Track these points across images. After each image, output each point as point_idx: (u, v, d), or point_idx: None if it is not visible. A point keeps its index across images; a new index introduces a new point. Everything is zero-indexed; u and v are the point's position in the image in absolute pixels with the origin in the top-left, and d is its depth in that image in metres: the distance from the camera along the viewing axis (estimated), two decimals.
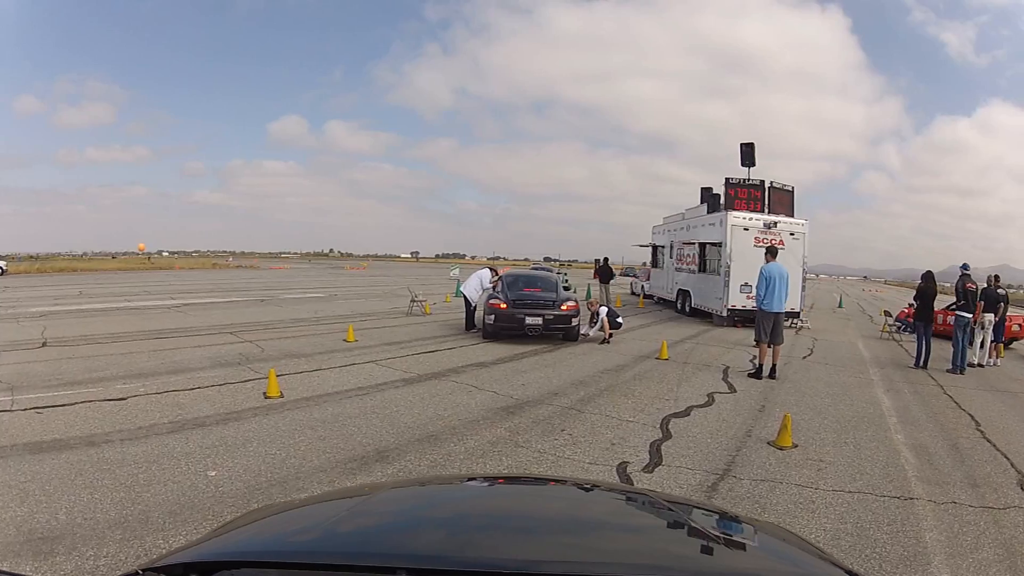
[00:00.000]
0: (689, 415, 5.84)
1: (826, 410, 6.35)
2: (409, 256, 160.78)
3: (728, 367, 8.71)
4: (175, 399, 5.79)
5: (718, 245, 14.73)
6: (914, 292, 10.64)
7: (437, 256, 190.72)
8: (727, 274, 14.09)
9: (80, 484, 3.57)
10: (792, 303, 11.53)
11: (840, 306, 26.54)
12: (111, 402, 5.59)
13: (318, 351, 8.82)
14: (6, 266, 35.12)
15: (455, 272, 19.03)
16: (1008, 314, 11.30)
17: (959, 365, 9.39)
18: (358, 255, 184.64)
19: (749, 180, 15.14)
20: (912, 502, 3.84)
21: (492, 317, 10.26)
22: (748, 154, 15.48)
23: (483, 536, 1.14)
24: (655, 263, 21.65)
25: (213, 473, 3.87)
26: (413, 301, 15.00)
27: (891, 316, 15.18)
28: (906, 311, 15.24)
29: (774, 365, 7.98)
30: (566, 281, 20.49)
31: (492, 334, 10.38)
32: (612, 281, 19.38)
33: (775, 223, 14.27)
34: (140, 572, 0.94)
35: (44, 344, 8.92)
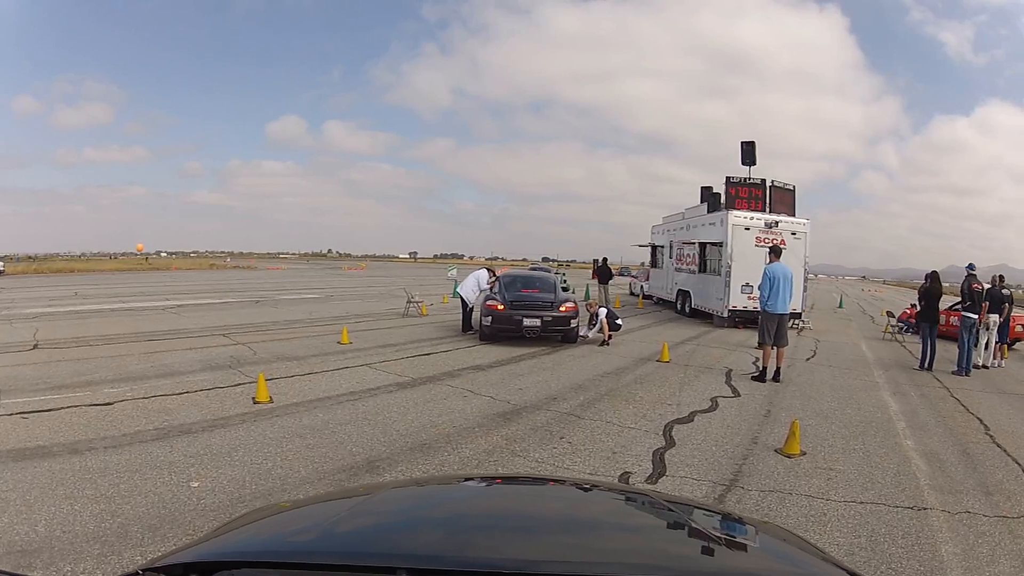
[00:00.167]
0: (692, 421, 5.68)
1: (833, 415, 6.20)
2: (407, 256, 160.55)
3: (731, 370, 8.57)
4: (162, 404, 5.64)
5: (719, 245, 14.57)
6: (916, 292, 10.53)
7: (435, 256, 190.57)
8: (728, 274, 13.93)
9: (61, 494, 3.48)
10: (794, 304, 11.40)
11: (840, 306, 26.44)
12: (98, 407, 5.46)
13: (311, 354, 8.66)
14: (4, 267, 35.00)
15: (453, 272, 18.88)
16: (1012, 315, 11.19)
17: (964, 367, 9.27)
18: (357, 255, 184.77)
19: (750, 179, 14.99)
20: (926, 512, 3.72)
21: (489, 319, 10.09)
22: (749, 152, 15.32)
23: (483, 536, 1.13)
24: (654, 263, 21.49)
25: (196, 484, 3.72)
26: (409, 302, 14.84)
27: (893, 316, 15.06)
28: (908, 312, 15.13)
29: (778, 368, 7.82)
30: (564, 281, 20.36)
31: (489, 336, 10.21)
32: (611, 281, 19.23)
33: (776, 222, 14.11)
34: (140, 572, 0.93)
35: (35, 346, 8.78)
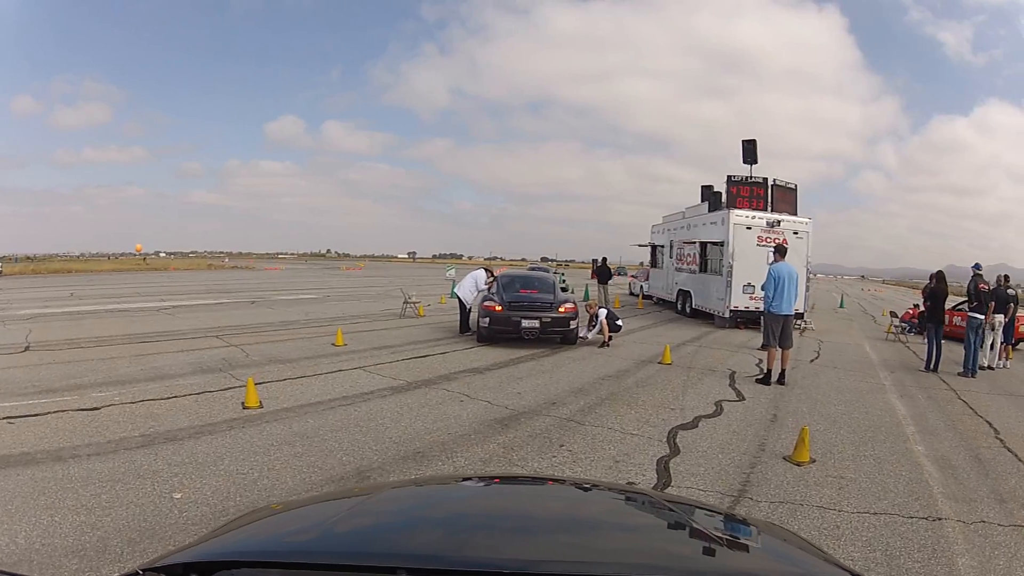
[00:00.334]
0: (697, 427, 5.50)
1: (840, 419, 6.03)
2: (406, 256, 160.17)
3: (734, 372, 8.41)
4: (150, 409, 5.48)
5: (720, 244, 14.40)
6: (917, 292, 10.41)
7: (434, 256, 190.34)
8: (729, 274, 13.77)
9: (42, 504, 3.37)
10: (797, 304, 11.27)
11: (841, 306, 26.33)
12: (84, 412, 5.32)
13: (304, 356, 8.49)
14: (2, 267, 34.86)
15: (451, 272, 18.68)
16: (1017, 315, 11.06)
17: (971, 368, 9.13)
18: (355, 255, 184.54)
19: (751, 178, 14.83)
20: (941, 523, 3.58)
21: (487, 320, 9.90)
22: (750, 151, 15.17)
23: (482, 536, 1.13)
24: (654, 263, 21.36)
25: (179, 496, 3.57)
26: (406, 303, 14.67)
27: (896, 317, 14.93)
28: (911, 312, 15.00)
29: (783, 370, 7.66)
30: (563, 281, 20.17)
31: (487, 337, 10.03)
32: (611, 281, 19.08)
33: (778, 222, 13.97)
34: (140, 572, 0.92)
35: (27, 348, 8.64)
